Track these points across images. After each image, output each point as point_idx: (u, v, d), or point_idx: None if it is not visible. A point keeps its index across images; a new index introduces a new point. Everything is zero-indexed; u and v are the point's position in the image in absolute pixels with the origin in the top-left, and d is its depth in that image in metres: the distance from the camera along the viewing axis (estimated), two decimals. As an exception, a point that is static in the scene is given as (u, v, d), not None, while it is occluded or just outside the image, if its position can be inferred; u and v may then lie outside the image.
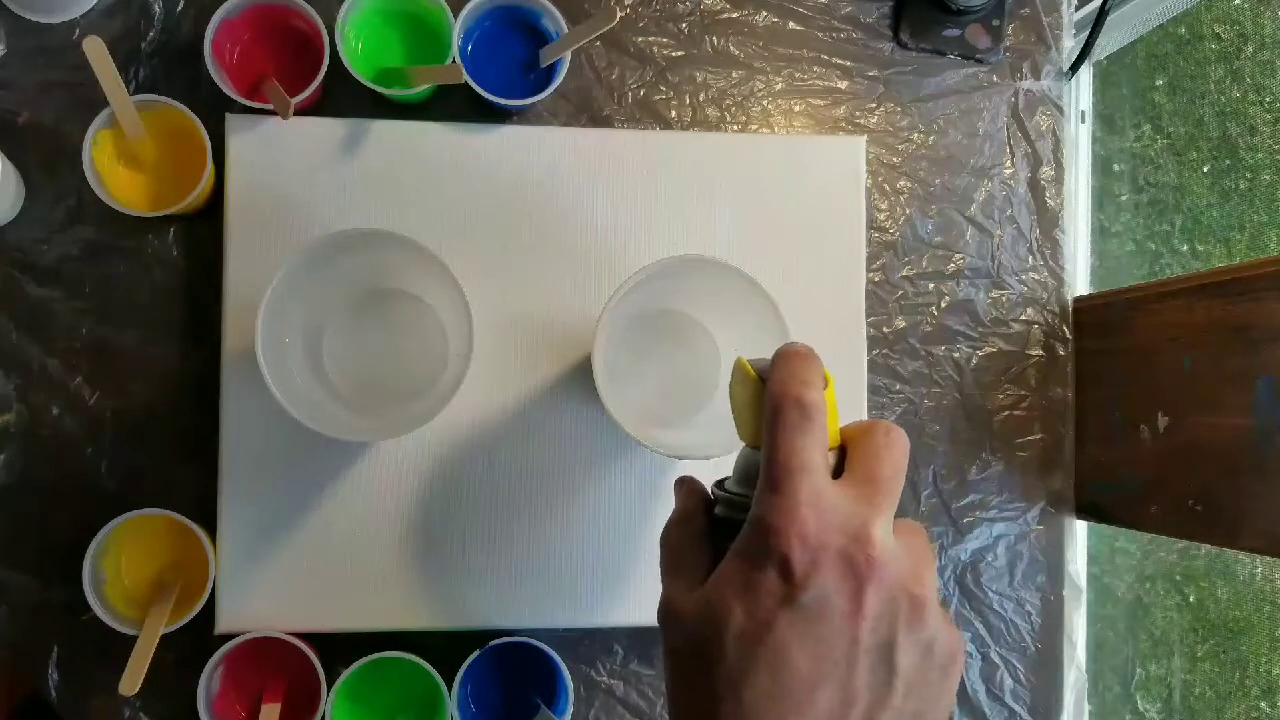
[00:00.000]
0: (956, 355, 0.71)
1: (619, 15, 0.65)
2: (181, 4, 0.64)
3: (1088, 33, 0.72)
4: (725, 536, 0.33)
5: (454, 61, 0.62)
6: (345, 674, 0.60)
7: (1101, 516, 0.71)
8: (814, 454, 0.31)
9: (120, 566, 0.60)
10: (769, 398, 0.32)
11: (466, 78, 0.61)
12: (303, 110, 0.63)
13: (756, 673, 0.30)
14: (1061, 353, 0.73)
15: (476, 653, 0.61)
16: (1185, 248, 1.64)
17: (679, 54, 0.69)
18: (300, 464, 0.62)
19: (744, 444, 0.36)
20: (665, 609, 0.34)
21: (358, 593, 0.62)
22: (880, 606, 0.30)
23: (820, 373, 0.33)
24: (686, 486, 0.37)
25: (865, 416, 0.68)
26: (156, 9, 0.64)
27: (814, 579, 0.30)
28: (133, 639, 0.56)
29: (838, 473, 0.32)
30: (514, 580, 0.64)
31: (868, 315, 0.68)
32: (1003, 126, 0.73)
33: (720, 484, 0.36)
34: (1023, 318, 0.72)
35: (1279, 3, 1.68)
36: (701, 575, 0.33)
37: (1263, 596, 1.66)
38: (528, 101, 0.63)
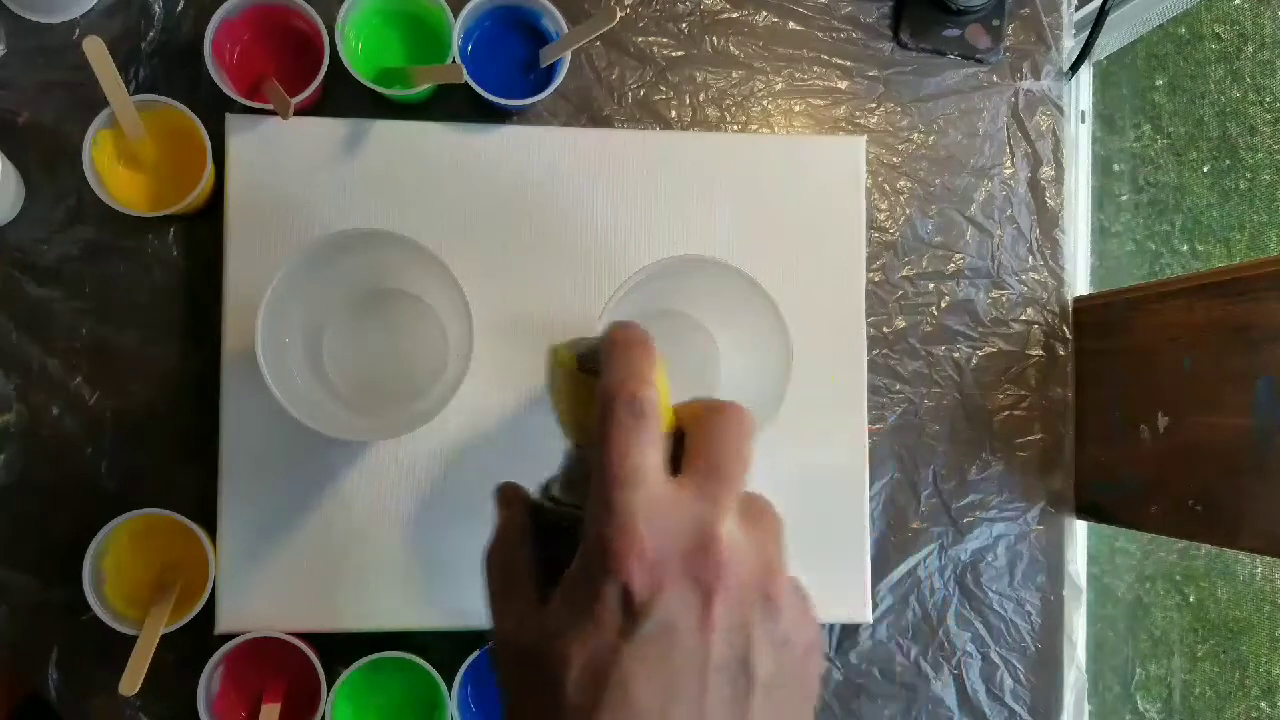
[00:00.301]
0: (956, 355, 0.71)
1: (619, 15, 0.65)
2: (181, 4, 0.64)
3: (1088, 33, 0.72)
4: (556, 547, 0.30)
5: (454, 61, 0.62)
6: (345, 674, 0.60)
7: (1101, 516, 0.71)
8: (648, 457, 0.28)
9: (120, 566, 0.60)
10: (599, 396, 0.29)
11: (467, 77, 0.61)
12: (303, 110, 0.63)
13: (599, 713, 0.27)
14: (1061, 353, 0.73)
15: (476, 653, 0.61)
16: (1185, 248, 1.64)
17: (679, 54, 0.69)
18: (300, 464, 0.62)
19: (568, 442, 0.32)
20: (497, 647, 0.31)
21: (358, 593, 0.62)
22: (731, 616, 0.28)
23: (655, 360, 0.30)
24: (507, 495, 0.33)
25: (865, 417, 0.67)
26: (156, 9, 0.64)
27: (657, 602, 0.27)
28: (133, 639, 0.56)
29: (676, 462, 0.30)
30: (514, 580, 0.64)
31: (868, 315, 0.68)
32: (1003, 126, 0.73)
33: (546, 488, 0.33)
34: (1023, 318, 0.72)
35: (1279, 3, 1.68)
36: (533, 599, 0.31)
37: (1263, 596, 1.66)
38: (528, 101, 0.63)
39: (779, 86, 0.70)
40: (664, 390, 0.30)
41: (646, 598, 0.27)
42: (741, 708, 0.28)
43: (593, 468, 0.29)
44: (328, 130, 0.63)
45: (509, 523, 0.33)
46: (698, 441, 0.30)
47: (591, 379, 0.31)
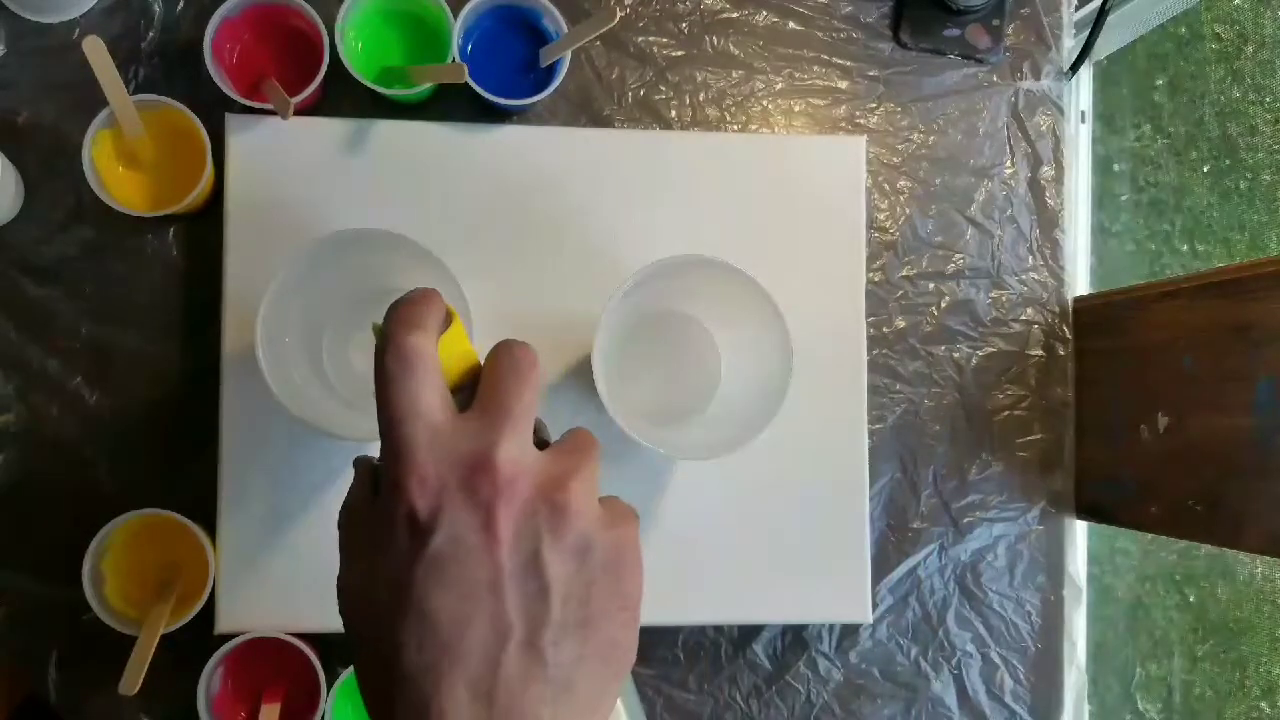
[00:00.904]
0: (957, 355, 0.71)
1: (619, 15, 0.65)
2: (181, 4, 0.64)
3: (1088, 32, 0.72)
4: None
5: (454, 61, 0.62)
6: (345, 674, 0.60)
7: (1101, 516, 0.71)
8: (422, 397, 0.30)
9: (120, 566, 0.60)
10: (375, 352, 0.31)
11: (468, 77, 0.61)
12: (303, 110, 0.63)
13: (406, 634, 0.29)
14: (1061, 353, 0.73)
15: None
16: (1185, 248, 1.64)
17: (679, 54, 0.69)
18: (300, 464, 0.62)
19: None
20: (338, 598, 0.33)
21: (358, 593, 0.62)
22: (516, 526, 0.29)
23: (431, 313, 0.32)
24: (357, 464, 0.35)
25: (865, 417, 0.67)
26: (156, 9, 0.64)
27: (440, 520, 0.29)
28: (133, 639, 0.56)
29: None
30: (514, 580, 0.64)
31: (868, 315, 0.68)
32: (1003, 126, 0.73)
33: None
34: (1023, 318, 0.72)
35: (1279, 3, 1.68)
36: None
37: (1263, 597, 1.66)
38: (528, 101, 0.63)
39: (779, 86, 0.70)
40: (457, 340, 0.32)
41: (428, 517, 0.29)
42: (540, 613, 0.29)
43: (378, 419, 0.31)
44: (328, 130, 0.63)
45: (358, 487, 0.35)
46: (484, 380, 0.32)
47: None
